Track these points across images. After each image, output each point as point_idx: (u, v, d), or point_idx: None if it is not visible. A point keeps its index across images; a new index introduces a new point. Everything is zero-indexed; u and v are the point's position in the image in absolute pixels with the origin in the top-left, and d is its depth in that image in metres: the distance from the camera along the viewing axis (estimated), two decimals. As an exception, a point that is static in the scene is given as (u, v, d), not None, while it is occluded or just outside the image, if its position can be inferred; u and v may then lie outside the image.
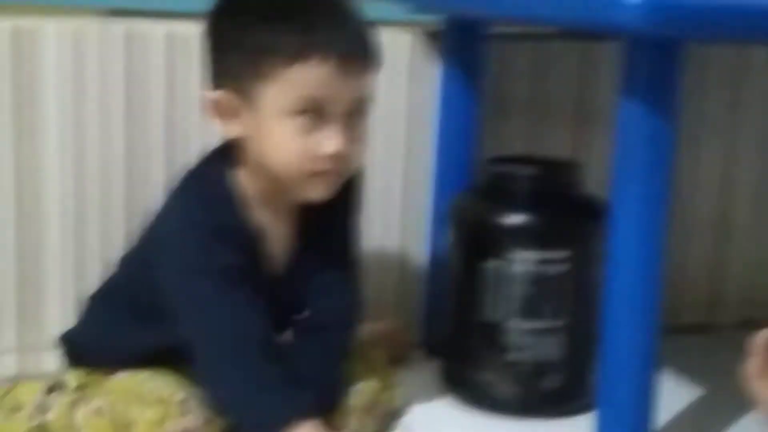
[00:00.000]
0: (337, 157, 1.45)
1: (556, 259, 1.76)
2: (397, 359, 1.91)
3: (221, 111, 1.46)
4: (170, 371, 1.58)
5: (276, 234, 1.58)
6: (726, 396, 1.77)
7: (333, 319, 1.64)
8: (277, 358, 1.50)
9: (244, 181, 1.54)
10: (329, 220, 1.62)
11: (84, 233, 1.85)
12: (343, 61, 1.42)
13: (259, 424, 1.47)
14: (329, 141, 1.43)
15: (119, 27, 1.80)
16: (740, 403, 1.71)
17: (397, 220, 2.05)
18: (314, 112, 1.43)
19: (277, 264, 1.61)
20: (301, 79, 1.38)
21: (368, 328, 1.91)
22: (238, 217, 1.51)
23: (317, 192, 1.51)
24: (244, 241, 1.51)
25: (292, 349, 1.63)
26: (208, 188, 1.52)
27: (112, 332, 1.61)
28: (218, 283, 1.46)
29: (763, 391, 1.58)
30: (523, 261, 1.76)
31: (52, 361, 1.79)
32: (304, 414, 1.46)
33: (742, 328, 2.23)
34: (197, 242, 1.47)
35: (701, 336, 2.24)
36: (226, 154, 1.54)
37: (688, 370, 2.00)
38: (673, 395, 1.81)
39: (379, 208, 2.03)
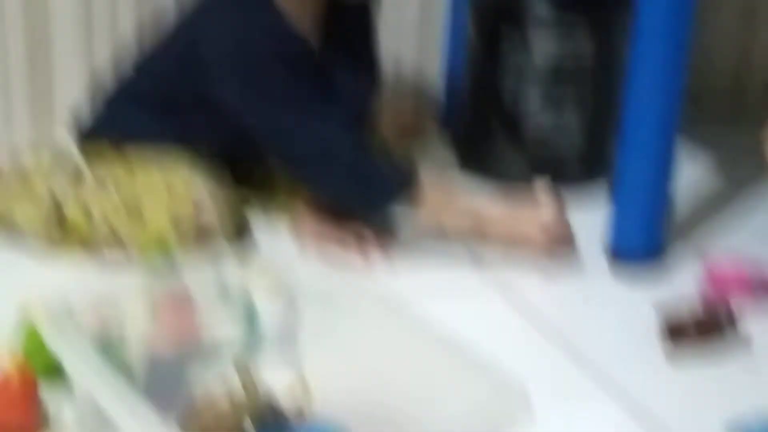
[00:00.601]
0: None
1: (578, 52, 1.75)
2: (413, 134, 1.88)
3: None
4: (186, 165, 1.56)
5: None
6: (747, 168, 1.75)
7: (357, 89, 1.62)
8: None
9: None
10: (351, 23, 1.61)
11: (91, 8, 1.79)
12: None
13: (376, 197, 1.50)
14: None
15: None
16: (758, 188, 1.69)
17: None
18: None
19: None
20: None
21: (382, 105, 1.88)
22: (286, 26, 1.52)
23: None
24: (296, 48, 1.51)
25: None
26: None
27: (136, 128, 1.59)
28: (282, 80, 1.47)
29: None
30: (544, 53, 1.75)
31: (62, 132, 1.77)
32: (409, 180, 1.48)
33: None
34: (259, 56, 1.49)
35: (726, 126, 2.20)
36: None
37: (711, 142, 1.96)
38: (694, 165, 1.78)
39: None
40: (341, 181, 1.49)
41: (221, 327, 1.13)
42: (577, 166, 1.79)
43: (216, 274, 1.14)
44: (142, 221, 1.49)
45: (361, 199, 1.49)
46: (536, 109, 1.75)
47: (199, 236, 1.48)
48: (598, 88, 1.75)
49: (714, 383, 1.27)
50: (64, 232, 1.50)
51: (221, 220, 1.51)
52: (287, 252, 1.49)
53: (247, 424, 0.98)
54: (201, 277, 1.14)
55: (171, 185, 1.51)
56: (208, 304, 1.12)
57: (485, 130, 1.81)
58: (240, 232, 1.55)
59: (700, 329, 1.34)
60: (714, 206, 1.75)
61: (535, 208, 1.52)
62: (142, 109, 1.57)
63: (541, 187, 1.53)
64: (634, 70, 1.47)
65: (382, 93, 1.73)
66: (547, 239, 1.50)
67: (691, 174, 1.80)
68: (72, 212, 1.50)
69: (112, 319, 1.06)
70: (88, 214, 1.49)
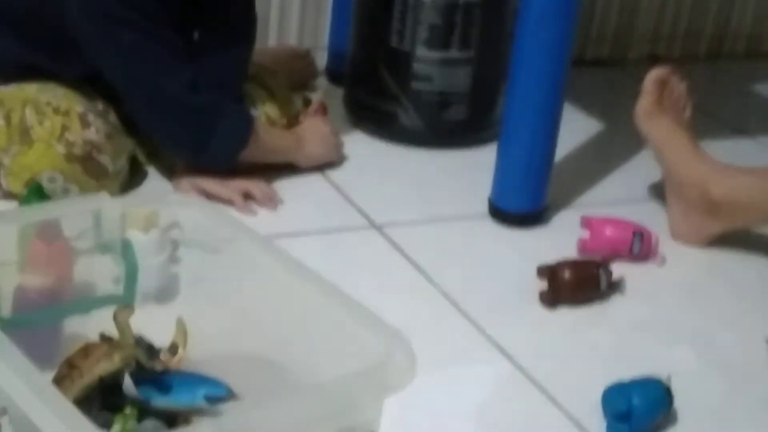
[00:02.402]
0: None
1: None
2: (300, 85, 1.85)
3: None
4: (63, 85, 1.49)
5: None
6: (628, 129, 1.78)
7: (229, 38, 1.59)
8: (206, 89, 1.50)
9: None
10: None
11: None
12: None
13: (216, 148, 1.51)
14: None
15: None
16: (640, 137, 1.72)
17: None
18: None
19: None
20: None
21: (269, 52, 1.84)
22: None
23: None
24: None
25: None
26: None
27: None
28: (139, 32, 1.43)
29: (653, 129, 1.59)
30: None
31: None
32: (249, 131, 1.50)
33: (649, 62, 2.24)
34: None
35: (608, 69, 2.23)
36: None
37: (593, 103, 2.00)
38: (575, 129, 1.80)
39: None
40: (176, 132, 1.48)
41: (98, 276, 1.09)
42: (463, 107, 1.79)
43: (96, 221, 1.10)
44: (29, 149, 1.42)
45: (199, 154, 1.49)
46: (422, 46, 1.72)
47: (87, 173, 1.44)
48: (487, 24, 1.74)
49: (591, 342, 1.30)
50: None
51: (113, 160, 1.46)
52: (172, 196, 1.45)
53: (123, 370, 0.96)
54: (80, 222, 1.10)
55: (56, 105, 1.46)
56: (85, 252, 1.09)
57: (372, 72, 1.79)
58: (126, 177, 1.51)
59: (577, 286, 1.36)
60: (596, 159, 1.76)
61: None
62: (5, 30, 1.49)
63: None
64: (525, 8, 1.48)
65: (269, 46, 1.69)
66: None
67: (574, 126, 1.80)
68: None
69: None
70: None
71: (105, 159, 1.46)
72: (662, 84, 1.55)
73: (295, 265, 1.03)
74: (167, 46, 1.46)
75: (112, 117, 1.53)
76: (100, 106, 1.52)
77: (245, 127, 1.50)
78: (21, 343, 0.90)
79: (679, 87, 1.56)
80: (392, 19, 1.74)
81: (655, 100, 1.54)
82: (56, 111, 1.45)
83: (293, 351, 1.00)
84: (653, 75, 1.55)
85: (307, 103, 1.74)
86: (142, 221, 1.12)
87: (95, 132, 1.45)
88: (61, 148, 1.43)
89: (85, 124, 1.45)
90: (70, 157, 1.43)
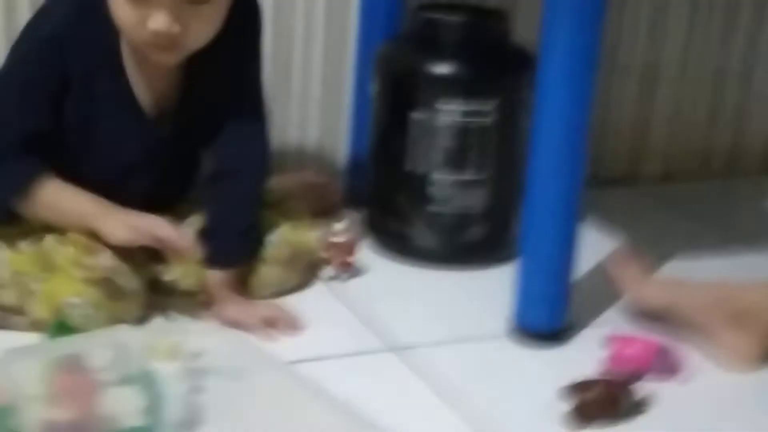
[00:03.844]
0: (166, 35, 1.45)
1: (483, 110, 1.74)
2: (324, 212, 1.87)
3: None
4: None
5: (152, 88, 1.56)
6: (646, 247, 1.78)
7: (240, 165, 1.62)
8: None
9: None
10: (220, 71, 1.59)
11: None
12: None
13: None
14: (153, 18, 1.44)
15: None
16: (659, 254, 1.73)
17: (320, 69, 1.99)
18: None
19: (160, 121, 1.57)
20: None
21: (289, 179, 1.87)
22: (103, 33, 1.50)
23: (162, 58, 1.50)
24: (93, 56, 1.50)
25: (203, 202, 1.61)
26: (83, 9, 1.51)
27: None
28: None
29: (647, 297, 1.61)
30: (448, 112, 1.73)
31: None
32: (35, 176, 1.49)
33: (665, 180, 2.26)
34: (29, 54, 1.51)
35: (624, 188, 2.25)
36: None
37: (611, 222, 2.01)
38: (595, 246, 1.81)
39: (300, 56, 1.96)
40: None
41: (123, 407, 1.09)
42: (481, 227, 1.80)
43: (119, 353, 1.11)
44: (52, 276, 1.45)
45: None
46: (439, 168, 1.73)
47: (107, 296, 1.46)
48: (501, 146, 1.76)
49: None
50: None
51: (131, 281, 1.48)
52: (195, 325, 1.46)
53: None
54: (104, 353, 1.11)
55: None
56: (109, 384, 1.09)
57: (390, 196, 1.83)
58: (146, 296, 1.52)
59: (602, 405, 1.35)
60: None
61: None
62: None
63: None
64: (537, 129, 1.49)
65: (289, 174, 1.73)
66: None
67: (593, 241, 1.81)
68: None
69: (8, 398, 1.02)
70: None
71: (123, 280, 1.47)
72: (625, 263, 1.58)
73: (318, 393, 1.03)
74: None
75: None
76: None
77: (19, 177, 1.49)
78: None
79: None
80: (407, 143, 1.75)
81: (634, 279, 1.58)
82: (74, 241, 1.47)
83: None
84: (614, 262, 1.58)
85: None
86: (166, 352, 1.13)
87: (111, 255, 1.46)
88: (80, 274, 1.44)
89: (101, 247, 1.46)
90: (89, 282, 1.45)
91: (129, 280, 1.49)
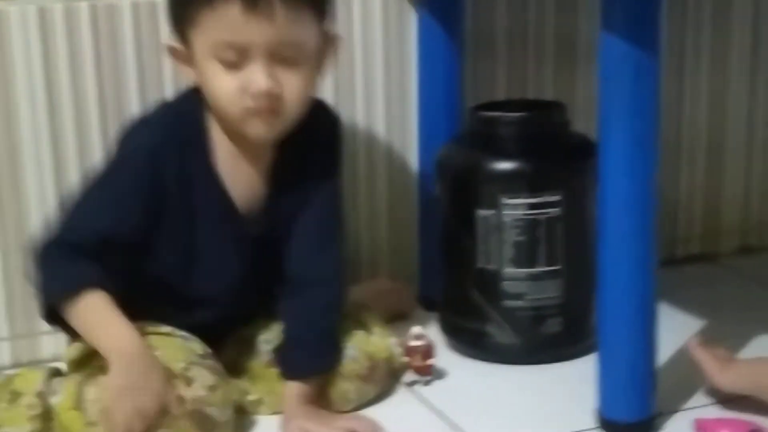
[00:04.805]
0: (267, 95, 1.49)
1: (548, 202, 1.74)
2: (399, 317, 1.87)
3: (178, 58, 1.55)
4: (172, 334, 1.56)
5: (245, 181, 1.59)
6: (728, 326, 1.75)
7: (318, 274, 1.62)
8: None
9: (212, 125, 1.57)
10: (306, 174, 1.63)
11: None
12: (247, 5, 1.46)
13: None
14: (253, 77, 1.46)
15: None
16: (741, 332, 1.69)
17: (385, 174, 2.02)
18: (236, 52, 1.47)
19: (249, 221, 1.60)
20: (213, 23, 1.46)
21: (364, 288, 1.88)
22: (198, 150, 1.55)
23: (258, 130, 1.54)
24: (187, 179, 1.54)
25: (280, 313, 1.62)
26: (179, 116, 1.58)
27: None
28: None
29: (731, 382, 1.58)
30: (514, 207, 1.74)
31: (47, 347, 1.77)
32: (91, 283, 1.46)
33: (740, 255, 2.23)
34: (122, 162, 1.54)
35: (700, 266, 2.22)
36: (200, 95, 1.57)
37: (689, 302, 1.98)
38: (675, 329, 1.78)
39: (365, 164, 1.99)
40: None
41: None
42: (558, 320, 1.79)
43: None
44: None
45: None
46: (510, 264, 1.73)
47: (198, 427, 1.46)
48: (571, 236, 1.75)
49: None
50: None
51: (221, 411, 1.48)
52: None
53: None
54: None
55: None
56: None
57: (464, 295, 1.81)
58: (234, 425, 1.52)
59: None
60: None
61: None
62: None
63: None
64: (602, 217, 1.49)
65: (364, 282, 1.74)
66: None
67: (674, 326, 1.78)
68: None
69: None
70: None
71: (213, 411, 1.47)
72: (704, 347, 1.56)
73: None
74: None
75: (214, 362, 1.54)
76: (200, 350, 1.53)
77: (67, 283, 1.47)
78: None
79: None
80: (477, 240, 1.76)
81: (716, 364, 1.55)
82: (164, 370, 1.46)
83: None
84: (694, 348, 1.56)
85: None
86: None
87: (200, 386, 1.46)
88: (175, 410, 1.44)
89: (188, 381, 1.46)
90: (180, 415, 1.43)
91: (220, 411, 1.48)
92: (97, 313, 1.47)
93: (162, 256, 1.55)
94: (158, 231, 1.54)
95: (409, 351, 1.70)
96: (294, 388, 1.54)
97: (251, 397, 1.60)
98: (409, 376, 1.71)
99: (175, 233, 1.54)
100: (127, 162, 1.55)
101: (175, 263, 1.57)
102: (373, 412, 1.60)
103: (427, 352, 1.71)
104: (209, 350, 1.56)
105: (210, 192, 1.56)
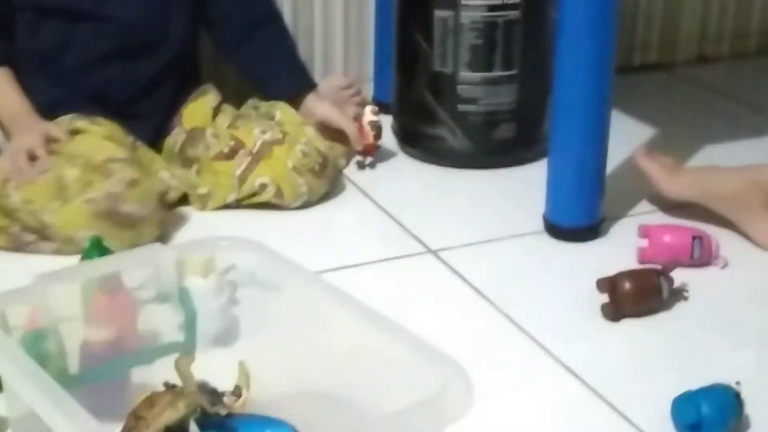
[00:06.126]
0: None
1: (508, 4, 1.71)
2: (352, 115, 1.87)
3: None
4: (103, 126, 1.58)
5: None
6: (680, 135, 1.76)
7: (264, 11, 1.72)
8: None
9: None
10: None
11: None
12: None
13: None
14: None
15: None
16: (693, 142, 1.71)
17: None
18: None
19: None
20: None
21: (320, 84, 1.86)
22: None
23: None
24: None
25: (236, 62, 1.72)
26: None
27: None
28: None
29: (677, 191, 1.58)
30: (473, 8, 1.71)
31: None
32: None
33: (697, 64, 2.22)
34: None
35: (656, 74, 2.22)
36: None
37: (643, 110, 1.98)
38: (627, 137, 1.79)
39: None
40: None
41: (161, 324, 1.11)
42: (511, 125, 1.79)
43: (155, 271, 1.12)
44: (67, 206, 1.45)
45: None
46: (465, 68, 1.72)
47: (116, 225, 1.45)
48: (529, 40, 1.74)
49: (656, 352, 1.28)
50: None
51: (139, 206, 1.47)
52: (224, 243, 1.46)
53: (188, 417, 0.97)
54: (140, 273, 1.12)
55: (87, 158, 1.48)
56: (146, 302, 1.10)
57: (418, 98, 1.81)
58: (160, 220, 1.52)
59: (639, 297, 1.35)
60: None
61: None
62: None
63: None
64: (563, 19, 1.48)
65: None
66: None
67: (628, 130, 1.79)
68: None
69: (45, 321, 1.04)
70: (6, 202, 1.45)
71: (130, 207, 1.46)
72: (652, 155, 1.55)
73: (351, 301, 1.04)
74: None
75: (137, 156, 1.55)
76: (126, 141, 1.56)
77: None
78: (90, 397, 0.92)
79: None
80: (433, 43, 1.73)
81: (663, 172, 1.55)
82: (86, 163, 1.47)
83: (353, 387, 1.00)
84: (641, 158, 1.55)
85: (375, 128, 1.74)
86: (200, 267, 1.13)
87: (117, 182, 1.46)
88: (86, 207, 1.44)
89: (107, 173, 1.46)
90: (96, 215, 1.44)
91: (138, 207, 1.47)
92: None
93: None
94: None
95: (364, 127, 1.74)
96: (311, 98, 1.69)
97: (200, 191, 1.60)
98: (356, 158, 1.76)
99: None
100: None
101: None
102: (322, 209, 1.61)
103: (379, 131, 1.74)
104: (137, 141, 1.60)
105: None
